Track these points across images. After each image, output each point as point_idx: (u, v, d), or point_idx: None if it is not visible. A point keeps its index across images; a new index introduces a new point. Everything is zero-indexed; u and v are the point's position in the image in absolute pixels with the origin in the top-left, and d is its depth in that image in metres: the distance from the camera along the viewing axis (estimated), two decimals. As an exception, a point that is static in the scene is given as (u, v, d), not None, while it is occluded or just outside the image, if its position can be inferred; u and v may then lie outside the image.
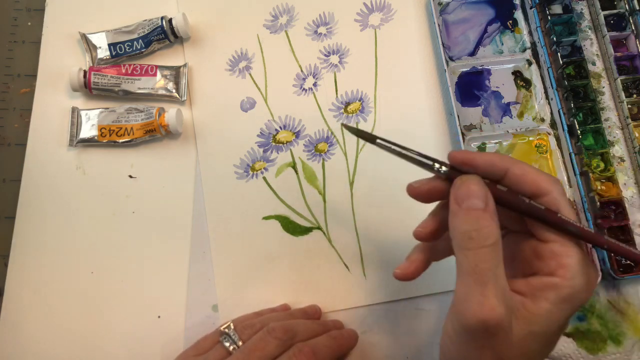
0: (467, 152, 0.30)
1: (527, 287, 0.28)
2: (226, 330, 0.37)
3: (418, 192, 0.33)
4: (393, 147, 0.33)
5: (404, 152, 0.33)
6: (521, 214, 0.30)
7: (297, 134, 0.48)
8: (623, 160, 0.45)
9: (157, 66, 0.48)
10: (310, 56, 0.49)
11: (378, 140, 0.34)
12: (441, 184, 0.31)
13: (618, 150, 0.46)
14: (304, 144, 0.47)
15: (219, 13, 0.51)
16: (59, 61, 0.50)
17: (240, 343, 0.36)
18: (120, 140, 0.46)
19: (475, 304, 0.26)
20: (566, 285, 0.27)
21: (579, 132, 0.45)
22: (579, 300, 0.28)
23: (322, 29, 0.50)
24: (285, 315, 0.41)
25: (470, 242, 0.27)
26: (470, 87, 0.48)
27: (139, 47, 0.48)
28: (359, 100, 0.48)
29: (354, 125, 0.47)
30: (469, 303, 0.27)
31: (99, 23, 0.50)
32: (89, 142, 0.47)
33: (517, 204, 0.29)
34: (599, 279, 0.30)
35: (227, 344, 0.37)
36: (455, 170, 0.31)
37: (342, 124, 0.46)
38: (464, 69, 0.48)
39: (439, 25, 0.48)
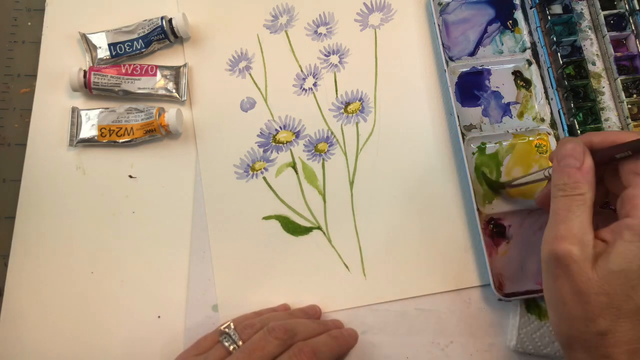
0: (555, 150, 0.35)
1: (609, 232, 0.31)
2: (226, 329, 0.37)
3: (543, 200, 0.39)
4: (520, 181, 0.43)
5: (525, 181, 0.42)
6: (610, 163, 0.33)
7: (297, 134, 0.48)
8: (623, 160, 0.45)
9: (157, 66, 0.48)
10: (310, 56, 0.49)
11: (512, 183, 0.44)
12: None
13: (618, 150, 0.46)
14: (304, 144, 0.47)
15: (219, 13, 0.51)
16: (59, 61, 0.50)
17: (240, 343, 0.36)
18: (120, 140, 0.46)
19: (550, 238, 0.32)
20: (638, 223, 0.30)
21: (579, 132, 0.45)
22: None
23: (322, 29, 0.50)
24: (286, 315, 0.41)
25: (561, 192, 0.33)
26: (470, 87, 0.48)
27: (139, 47, 0.48)
28: (359, 100, 0.48)
29: (354, 126, 0.47)
30: (546, 237, 0.32)
31: (99, 23, 0.50)
32: (89, 142, 0.47)
33: (605, 155, 0.33)
34: None
35: (227, 344, 0.37)
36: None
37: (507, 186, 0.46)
38: (464, 69, 0.48)
39: (439, 25, 0.48)
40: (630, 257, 0.30)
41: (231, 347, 0.36)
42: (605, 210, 0.39)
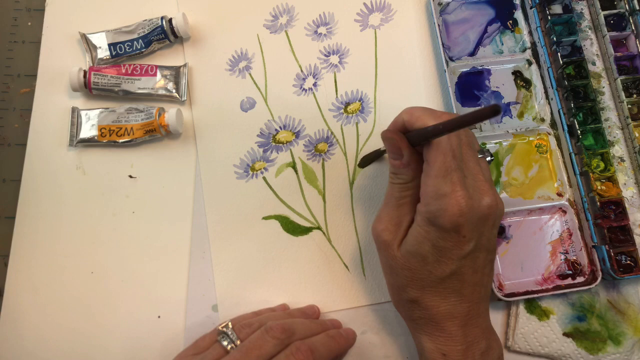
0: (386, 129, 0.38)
1: (416, 214, 0.35)
2: (224, 329, 0.38)
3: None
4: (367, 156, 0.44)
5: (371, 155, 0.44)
6: (421, 143, 0.35)
7: (297, 134, 0.48)
8: (623, 160, 0.45)
9: (157, 66, 0.48)
10: (310, 56, 0.49)
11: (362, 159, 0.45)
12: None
13: (618, 150, 0.46)
14: (303, 144, 0.47)
15: (219, 13, 0.51)
16: (59, 61, 0.50)
17: (238, 342, 0.36)
18: (120, 140, 0.47)
19: (376, 217, 0.37)
20: (423, 210, 0.34)
21: (579, 132, 0.45)
22: (438, 224, 0.33)
23: (322, 29, 0.50)
24: (284, 315, 0.41)
25: (391, 178, 0.37)
26: (470, 87, 0.48)
27: (139, 47, 0.48)
28: (359, 101, 0.48)
29: (354, 126, 0.47)
30: (376, 215, 0.37)
31: (99, 23, 0.50)
32: (89, 142, 0.47)
33: (418, 136, 0.34)
34: (464, 208, 0.32)
35: (225, 343, 0.37)
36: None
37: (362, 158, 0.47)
38: (464, 69, 0.48)
39: (439, 25, 0.48)
40: (420, 240, 0.34)
41: (229, 347, 0.36)
42: None
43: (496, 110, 0.25)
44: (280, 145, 0.47)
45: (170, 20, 0.48)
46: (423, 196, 0.34)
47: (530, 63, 0.48)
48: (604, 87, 0.47)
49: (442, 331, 0.35)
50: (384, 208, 0.37)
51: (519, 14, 0.50)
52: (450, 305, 0.35)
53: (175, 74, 0.48)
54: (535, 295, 0.42)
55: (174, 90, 0.48)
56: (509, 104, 0.48)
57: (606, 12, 0.47)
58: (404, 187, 0.36)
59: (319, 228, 0.45)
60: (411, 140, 0.35)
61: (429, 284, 0.35)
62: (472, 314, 0.35)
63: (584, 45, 0.48)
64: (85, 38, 0.49)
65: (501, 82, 0.48)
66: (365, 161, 0.46)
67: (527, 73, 0.48)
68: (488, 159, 0.37)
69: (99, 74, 0.47)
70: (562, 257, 0.44)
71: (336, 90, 0.49)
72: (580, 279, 0.43)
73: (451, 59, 0.48)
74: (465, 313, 0.35)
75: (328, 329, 0.40)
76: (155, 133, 0.46)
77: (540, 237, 0.44)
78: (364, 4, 0.51)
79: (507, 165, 0.46)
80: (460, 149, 0.33)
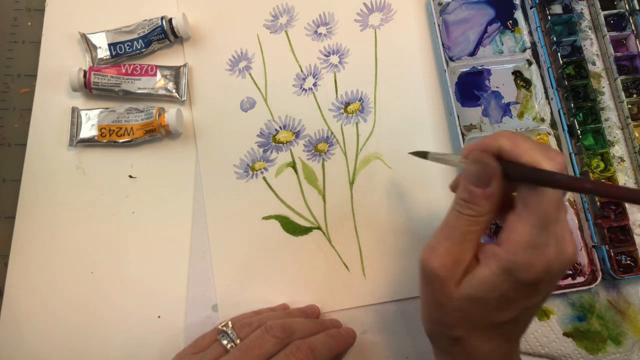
0: (470, 145, 0.32)
1: (483, 253, 0.31)
2: (224, 328, 0.38)
3: (455, 189, 0.36)
4: (439, 157, 0.37)
5: (443, 158, 0.37)
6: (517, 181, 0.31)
7: (297, 134, 0.48)
8: (623, 160, 0.45)
9: (157, 66, 0.48)
10: (310, 56, 0.49)
11: (430, 155, 0.38)
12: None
13: (618, 150, 0.46)
14: (303, 144, 0.47)
15: (219, 13, 0.51)
16: (59, 61, 0.50)
17: (238, 341, 0.36)
18: (120, 140, 0.47)
19: (429, 246, 0.32)
20: (504, 258, 0.29)
21: (579, 132, 0.45)
22: (519, 278, 0.29)
23: (322, 29, 0.50)
24: (284, 314, 0.41)
25: (457, 205, 0.31)
26: (470, 87, 0.48)
27: (139, 47, 0.48)
28: (359, 100, 0.48)
29: (354, 126, 0.47)
30: (428, 242, 0.32)
31: (99, 23, 0.50)
32: (89, 142, 0.47)
33: (515, 171, 0.30)
34: (557, 269, 0.29)
35: (224, 342, 0.37)
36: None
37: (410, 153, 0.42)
38: (464, 69, 0.48)
39: (438, 25, 0.48)
40: (491, 287, 0.30)
41: (229, 346, 0.36)
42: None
43: None
44: (280, 145, 0.47)
45: (170, 20, 0.48)
46: (509, 243, 0.30)
47: (530, 63, 0.48)
48: (604, 87, 0.47)
49: None
50: (442, 240, 0.31)
51: (519, 14, 0.50)
52: (495, 345, 0.32)
53: (175, 74, 0.48)
54: (535, 295, 0.42)
55: (174, 90, 0.48)
56: (509, 104, 0.48)
57: (606, 12, 0.47)
58: (474, 221, 0.31)
59: (319, 228, 0.45)
60: (506, 172, 0.30)
61: (480, 327, 0.32)
62: (510, 352, 0.34)
63: (584, 45, 0.48)
64: (85, 38, 0.49)
65: (501, 82, 0.48)
66: (418, 155, 0.41)
67: (527, 73, 0.48)
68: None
69: (99, 74, 0.47)
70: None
71: (336, 90, 0.49)
72: (580, 279, 0.43)
73: (451, 59, 0.48)
74: (505, 352, 0.33)
75: (328, 328, 0.40)
76: (155, 133, 0.46)
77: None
78: (364, 4, 0.51)
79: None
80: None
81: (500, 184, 0.30)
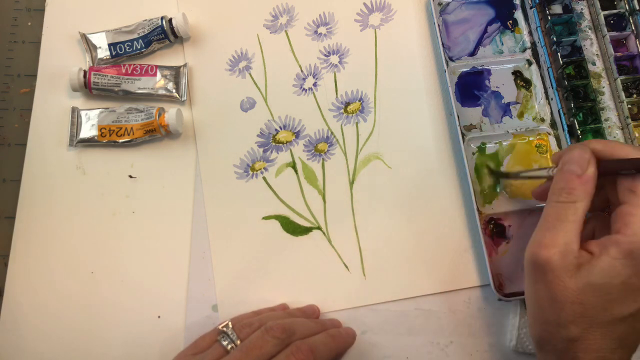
0: (559, 151, 0.35)
1: (597, 245, 0.31)
2: (224, 329, 0.38)
3: (541, 194, 0.39)
4: (525, 174, 0.42)
5: (529, 175, 0.41)
6: (612, 175, 0.33)
7: (297, 134, 0.48)
8: (623, 160, 0.45)
9: (157, 66, 0.48)
10: (310, 56, 0.49)
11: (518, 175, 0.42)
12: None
13: (618, 150, 0.46)
14: (303, 144, 0.47)
15: (219, 13, 0.51)
16: (59, 61, 0.50)
17: (238, 342, 0.36)
18: (120, 140, 0.47)
19: (534, 242, 0.32)
20: (627, 241, 0.30)
21: (579, 132, 0.45)
22: None
23: (322, 29, 0.50)
24: (284, 315, 0.41)
25: (555, 196, 0.33)
26: (470, 87, 0.48)
27: (139, 47, 0.48)
28: (359, 100, 0.48)
29: (354, 126, 0.47)
30: (532, 241, 0.32)
31: (99, 23, 0.50)
32: (89, 142, 0.47)
33: (609, 167, 0.33)
34: None
35: (225, 343, 0.37)
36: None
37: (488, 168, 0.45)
38: (464, 69, 0.48)
39: (438, 25, 0.48)
40: (613, 273, 0.30)
41: (229, 346, 0.36)
42: (606, 215, 0.38)
43: None
44: (280, 145, 0.47)
45: (170, 20, 0.48)
46: (628, 227, 0.31)
47: (530, 63, 0.48)
48: (604, 87, 0.47)
49: None
50: (544, 232, 0.32)
51: (519, 14, 0.50)
52: (609, 352, 0.31)
53: (175, 74, 0.48)
54: (536, 295, 0.42)
55: (174, 90, 0.48)
56: (509, 104, 0.48)
57: (606, 12, 0.47)
58: (573, 208, 0.32)
59: (319, 228, 0.45)
60: (603, 169, 0.33)
61: (598, 323, 0.31)
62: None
63: (584, 45, 0.48)
64: (85, 38, 0.49)
65: (501, 82, 0.48)
66: (494, 175, 0.45)
67: (527, 73, 0.48)
68: None
69: (99, 74, 0.47)
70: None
71: (336, 90, 0.49)
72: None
73: (451, 59, 0.48)
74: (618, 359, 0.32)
75: (328, 328, 0.40)
76: (155, 133, 0.46)
77: (541, 237, 0.44)
78: (364, 4, 0.51)
79: (507, 165, 0.46)
80: None
81: (596, 170, 0.32)
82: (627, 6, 0.48)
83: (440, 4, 0.50)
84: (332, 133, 0.47)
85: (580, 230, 0.32)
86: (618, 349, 0.31)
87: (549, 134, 0.46)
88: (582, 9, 0.49)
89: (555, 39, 0.46)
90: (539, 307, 0.33)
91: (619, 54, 0.47)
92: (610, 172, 0.33)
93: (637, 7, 0.47)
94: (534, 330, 0.34)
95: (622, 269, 0.30)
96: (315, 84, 0.49)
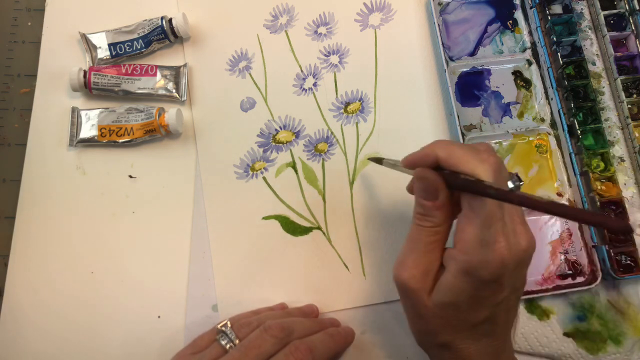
0: (410, 155, 0.34)
1: (445, 259, 0.33)
2: (223, 328, 0.38)
3: (412, 189, 0.37)
4: (391, 162, 0.40)
5: (395, 164, 0.39)
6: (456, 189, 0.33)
7: (297, 134, 0.48)
8: (623, 160, 0.45)
9: (157, 66, 0.48)
10: (310, 56, 0.49)
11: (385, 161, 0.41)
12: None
13: (618, 150, 0.46)
14: (303, 144, 0.47)
15: (219, 13, 0.51)
16: (59, 61, 0.50)
17: (237, 341, 0.36)
18: (120, 140, 0.47)
19: (397, 261, 0.34)
20: (461, 259, 0.31)
21: (579, 132, 0.45)
22: (478, 276, 0.30)
23: (322, 29, 0.50)
24: (283, 314, 0.41)
25: (416, 219, 0.34)
26: (470, 87, 0.48)
27: (139, 47, 0.48)
28: (359, 100, 0.48)
29: (354, 126, 0.47)
30: (397, 259, 0.34)
31: (99, 23, 0.50)
32: (89, 142, 0.47)
33: (453, 179, 0.32)
34: (511, 262, 0.30)
35: (223, 342, 0.37)
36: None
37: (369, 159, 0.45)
38: (464, 69, 0.48)
39: (438, 25, 0.48)
40: (457, 291, 0.31)
41: (228, 346, 0.36)
42: None
43: (627, 231, 0.23)
44: (280, 145, 0.47)
45: (170, 20, 0.48)
46: (461, 244, 0.31)
47: (530, 63, 0.48)
48: (604, 87, 0.47)
49: None
50: (408, 253, 0.33)
51: (519, 14, 0.50)
52: (482, 345, 0.33)
53: (175, 74, 0.48)
54: (536, 295, 0.42)
55: (174, 90, 0.48)
56: (509, 104, 0.48)
57: (606, 12, 0.47)
58: (433, 232, 0.33)
59: (319, 228, 0.45)
60: (450, 182, 0.32)
61: (461, 329, 0.33)
62: (500, 349, 0.34)
63: (584, 45, 0.48)
64: (85, 38, 0.49)
65: (501, 82, 0.48)
66: (373, 159, 0.45)
67: (527, 73, 0.48)
68: (517, 184, 0.35)
69: (99, 74, 0.47)
70: (562, 257, 0.44)
71: (336, 90, 0.49)
72: (580, 279, 0.43)
73: (451, 58, 0.48)
74: (494, 350, 0.34)
75: (326, 327, 0.40)
76: (155, 133, 0.46)
77: (540, 237, 0.44)
78: (364, 4, 0.51)
79: (507, 165, 0.46)
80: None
81: (447, 194, 0.32)
82: (627, 6, 0.48)
83: (440, 3, 0.50)
84: (332, 133, 0.47)
85: (442, 249, 0.33)
86: (490, 342, 0.33)
87: (549, 134, 0.46)
88: (582, 9, 0.49)
89: (555, 39, 0.46)
90: (410, 318, 0.35)
91: (619, 54, 0.47)
92: (455, 189, 0.32)
93: (637, 7, 0.47)
94: (414, 336, 0.36)
95: (463, 285, 0.31)
96: (315, 84, 0.49)
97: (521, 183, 0.35)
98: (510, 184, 0.34)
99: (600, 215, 0.25)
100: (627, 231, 0.23)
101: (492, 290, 0.31)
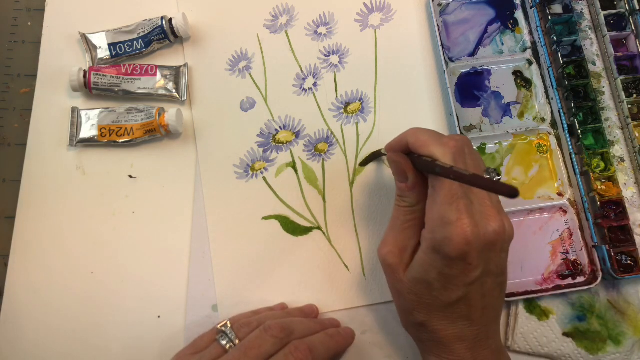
0: (390, 142, 0.38)
1: (421, 238, 0.34)
2: (223, 328, 0.38)
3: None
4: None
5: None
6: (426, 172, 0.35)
7: (297, 134, 0.48)
8: (623, 160, 0.45)
9: (157, 66, 0.48)
10: (310, 56, 0.49)
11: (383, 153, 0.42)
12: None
13: (618, 150, 0.46)
14: (303, 144, 0.47)
15: (219, 13, 0.51)
16: (59, 61, 0.50)
17: (237, 341, 0.36)
18: (120, 140, 0.47)
19: (382, 240, 0.37)
20: (428, 237, 0.33)
21: (579, 131, 0.45)
22: (444, 252, 0.32)
23: (322, 29, 0.50)
24: (282, 314, 0.41)
25: (396, 201, 0.37)
26: (470, 88, 0.48)
27: (139, 47, 0.48)
28: (359, 101, 0.48)
29: (354, 126, 0.47)
30: (381, 240, 0.37)
31: (99, 23, 0.50)
32: (89, 142, 0.47)
33: (421, 163, 0.35)
34: (468, 239, 0.31)
35: (223, 342, 0.37)
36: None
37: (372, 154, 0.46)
38: (464, 70, 0.48)
39: (438, 26, 0.48)
40: (428, 268, 0.33)
41: (227, 346, 0.36)
42: None
43: (513, 195, 0.25)
44: (280, 145, 0.47)
45: (170, 20, 0.48)
46: (428, 222, 0.33)
47: (530, 63, 0.48)
48: (604, 87, 0.47)
49: (451, 354, 0.34)
50: (389, 231, 0.36)
51: (519, 14, 0.50)
52: (458, 329, 0.34)
53: (175, 74, 0.48)
54: (535, 295, 0.42)
55: (174, 90, 0.48)
56: (509, 104, 0.48)
57: (606, 12, 0.47)
58: (409, 211, 0.36)
59: (319, 228, 0.45)
60: (416, 165, 0.35)
61: (435, 309, 0.34)
62: (481, 337, 0.34)
63: (584, 45, 0.48)
64: (85, 38, 0.49)
65: (501, 82, 0.48)
66: (366, 161, 0.46)
67: (528, 73, 0.48)
68: (495, 179, 0.36)
69: (99, 74, 0.47)
70: (563, 257, 0.44)
71: (336, 90, 0.49)
72: (580, 279, 0.43)
73: (451, 59, 0.48)
74: (474, 336, 0.34)
75: (327, 328, 0.40)
76: (155, 133, 0.46)
77: (541, 237, 0.44)
78: (364, 4, 0.51)
79: (507, 165, 0.46)
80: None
81: (416, 175, 0.35)
82: (627, 6, 0.48)
83: (440, 4, 0.50)
84: (332, 133, 0.47)
85: (419, 228, 0.35)
86: (467, 327, 0.34)
87: (550, 133, 0.46)
88: (582, 8, 0.49)
89: (555, 38, 0.46)
90: (393, 295, 0.37)
91: (619, 54, 0.47)
92: (420, 170, 0.35)
93: (637, 7, 0.47)
94: (399, 316, 0.38)
95: (433, 262, 0.33)
96: (315, 84, 0.49)
97: (499, 177, 0.38)
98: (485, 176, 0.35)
99: (489, 180, 0.27)
100: (513, 194, 0.25)
101: (459, 268, 0.32)
